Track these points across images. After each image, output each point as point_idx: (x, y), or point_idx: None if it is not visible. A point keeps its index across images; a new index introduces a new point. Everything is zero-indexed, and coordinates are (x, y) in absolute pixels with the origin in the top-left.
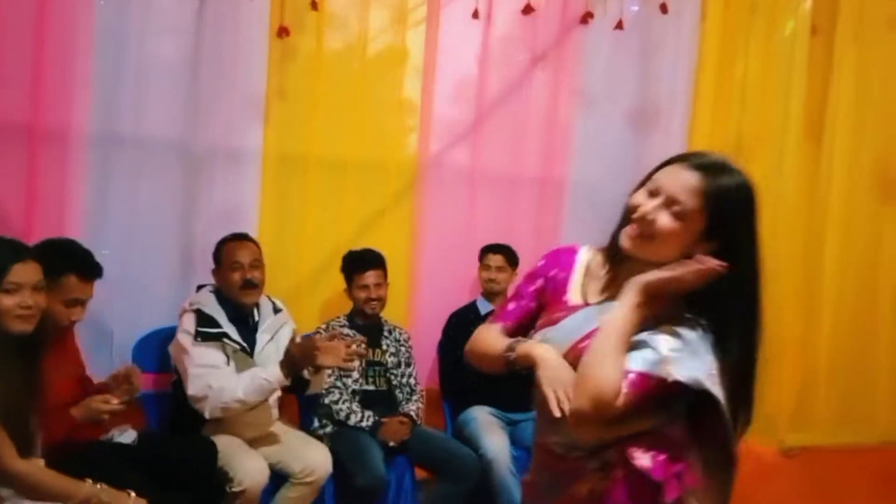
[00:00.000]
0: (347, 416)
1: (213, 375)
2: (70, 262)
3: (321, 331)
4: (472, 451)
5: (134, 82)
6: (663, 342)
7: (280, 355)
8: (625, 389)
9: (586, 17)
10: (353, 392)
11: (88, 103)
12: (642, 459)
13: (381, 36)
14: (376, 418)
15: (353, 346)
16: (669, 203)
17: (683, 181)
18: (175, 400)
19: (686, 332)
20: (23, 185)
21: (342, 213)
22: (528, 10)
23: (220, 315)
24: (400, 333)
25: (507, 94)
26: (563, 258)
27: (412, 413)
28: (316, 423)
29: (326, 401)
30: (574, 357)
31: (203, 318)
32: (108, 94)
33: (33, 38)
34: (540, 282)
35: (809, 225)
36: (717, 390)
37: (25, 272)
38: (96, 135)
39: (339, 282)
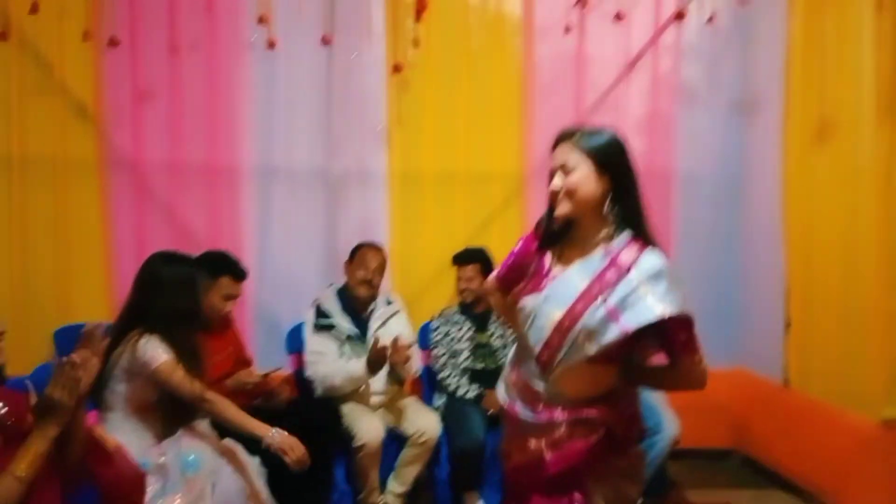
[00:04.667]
0: (456, 389)
1: (320, 362)
2: (224, 267)
3: (439, 316)
4: None
5: (283, 124)
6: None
7: (390, 340)
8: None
9: (680, 15)
10: (464, 370)
11: (251, 143)
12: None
13: (480, 59)
14: (480, 390)
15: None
16: (564, 170)
17: (562, 151)
18: None
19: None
20: (205, 209)
21: (456, 221)
22: (619, 17)
23: (334, 308)
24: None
25: (605, 96)
26: (531, 243)
27: None
28: (435, 397)
29: (440, 376)
30: (571, 320)
31: (320, 312)
32: (265, 134)
33: (206, 93)
34: (519, 247)
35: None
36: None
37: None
38: (257, 168)
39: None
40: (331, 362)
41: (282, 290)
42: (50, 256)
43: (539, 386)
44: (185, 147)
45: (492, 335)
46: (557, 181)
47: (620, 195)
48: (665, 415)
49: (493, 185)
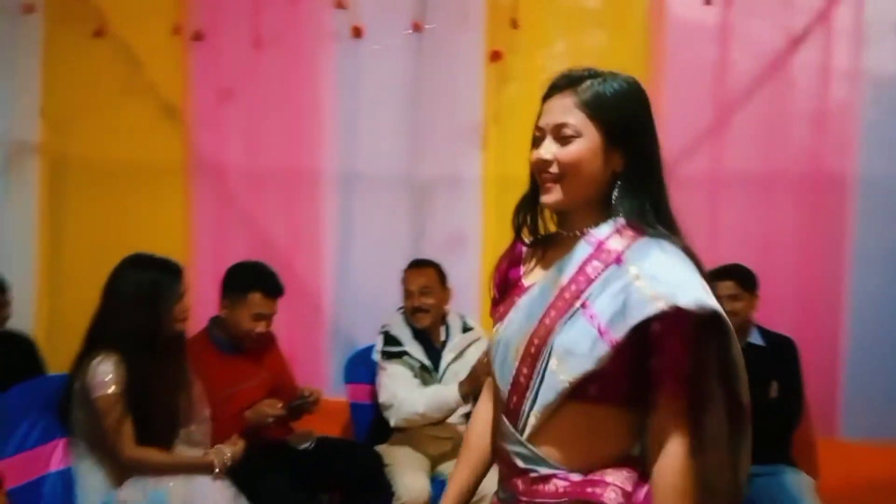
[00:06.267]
0: None
1: (400, 386)
2: (256, 282)
3: None
4: None
5: (367, 122)
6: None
7: (466, 374)
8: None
9: None
10: None
11: (332, 144)
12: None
13: (596, 43)
14: None
15: None
16: (557, 133)
17: (560, 106)
18: (375, 409)
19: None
20: (284, 216)
21: None
22: None
23: (404, 335)
24: None
25: (757, 83)
26: (510, 254)
27: None
28: None
29: None
30: (541, 338)
31: (388, 339)
32: (348, 134)
33: (288, 90)
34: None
35: None
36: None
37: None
38: (339, 172)
39: None
40: (414, 387)
41: (362, 308)
42: None
43: (514, 451)
44: (265, 148)
45: None
46: (548, 149)
47: (636, 180)
48: None
49: None
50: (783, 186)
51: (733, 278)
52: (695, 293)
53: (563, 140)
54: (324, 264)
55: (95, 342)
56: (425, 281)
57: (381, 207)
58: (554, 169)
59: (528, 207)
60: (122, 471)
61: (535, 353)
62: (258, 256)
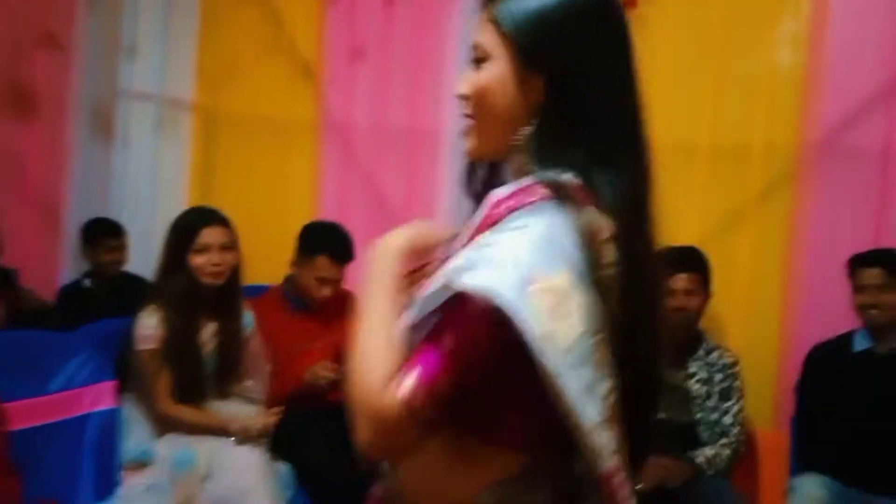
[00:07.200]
0: None
1: None
2: (325, 245)
3: None
4: None
5: None
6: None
7: None
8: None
9: None
10: None
11: (453, 109)
12: None
13: None
14: None
15: None
16: (474, 59)
17: (479, 24)
18: None
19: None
20: (403, 176)
21: (695, 209)
22: None
23: None
24: (721, 356)
25: None
26: None
27: (701, 460)
28: None
29: None
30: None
31: None
32: None
33: (415, 48)
34: None
35: None
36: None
37: (213, 234)
38: (458, 135)
39: None
40: None
41: None
42: (269, 214)
43: (381, 486)
44: (390, 108)
45: (692, 376)
46: (463, 81)
47: (558, 121)
48: None
49: (752, 164)
50: None
51: (882, 265)
52: (488, 272)
53: (476, 66)
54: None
55: (150, 294)
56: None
57: None
58: (468, 107)
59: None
60: (162, 423)
61: None
62: (375, 215)
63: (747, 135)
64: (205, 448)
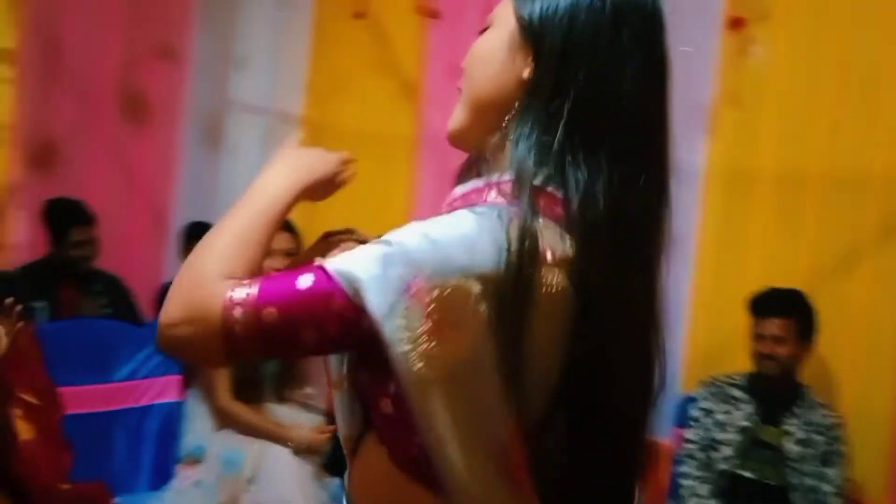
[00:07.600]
0: (691, 499)
1: None
2: None
3: (710, 385)
4: None
5: None
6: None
7: None
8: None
9: None
10: (721, 473)
11: None
12: None
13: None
14: None
15: None
16: (482, 29)
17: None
18: None
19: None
20: None
21: (802, 246)
22: None
23: None
24: (824, 416)
25: None
26: None
27: None
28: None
29: (679, 470)
30: None
31: None
32: None
33: None
34: None
35: None
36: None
37: (278, 240)
38: None
39: None
40: None
41: None
42: (367, 227)
43: None
44: None
45: (786, 434)
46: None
47: (536, 103)
48: None
49: (870, 195)
50: None
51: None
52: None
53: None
54: None
55: None
56: None
57: None
58: (461, 80)
59: None
60: (219, 418)
61: None
62: None
63: (867, 163)
64: (253, 451)
